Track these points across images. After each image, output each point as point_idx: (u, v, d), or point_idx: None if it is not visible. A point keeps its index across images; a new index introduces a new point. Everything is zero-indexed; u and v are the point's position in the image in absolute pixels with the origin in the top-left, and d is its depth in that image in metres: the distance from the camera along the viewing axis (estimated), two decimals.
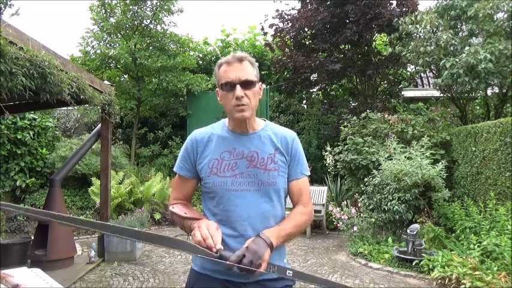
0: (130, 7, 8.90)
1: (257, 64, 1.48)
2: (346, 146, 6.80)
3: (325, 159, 7.88)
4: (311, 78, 9.03)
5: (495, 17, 6.14)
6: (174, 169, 1.54)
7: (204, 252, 1.26)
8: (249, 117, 1.42)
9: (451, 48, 6.32)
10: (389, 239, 5.46)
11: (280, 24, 9.03)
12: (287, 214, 1.49)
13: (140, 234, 1.27)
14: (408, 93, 9.56)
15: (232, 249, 1.30)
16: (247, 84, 1.38)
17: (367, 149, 6.46)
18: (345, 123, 7.23)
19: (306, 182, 1.54)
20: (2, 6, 3.12)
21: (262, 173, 1.42)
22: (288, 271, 1.29)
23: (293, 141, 1.51)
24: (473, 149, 5.47)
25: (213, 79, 10.31)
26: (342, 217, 6.24)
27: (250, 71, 1.41)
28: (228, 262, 1.23)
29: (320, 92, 10.39)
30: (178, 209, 1.44)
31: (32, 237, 5.02)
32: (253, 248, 1.26)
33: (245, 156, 1.44)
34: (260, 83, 1.48)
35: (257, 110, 1.50)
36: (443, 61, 5.96)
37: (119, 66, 9.26)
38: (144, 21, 9.08)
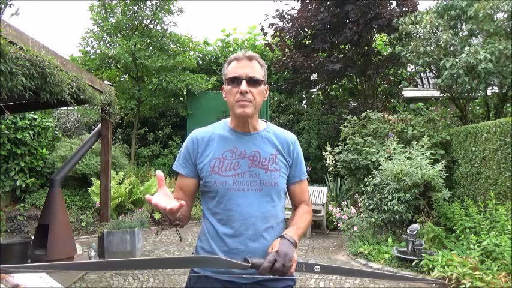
0: (130, 7, 8.89)
1: (266, 66, 1.47)
2: (346, 146, 6.80)
3: (325, 159, 7.87)
4: (311, 78, 9.03)
5: (495, 17, 6.13)
6: (173, 167, 1.51)
7: (236, 265, 1.24)
8: (251, 114, 1.40)
9: (451, 48, 6.32)
10: (390, 239, 5.45)
11: (280, 24, 9.03)
12: (286, 214, 1.50)
13: (164, 261, 1.24)
14: (408, 93, 9.56)
15: (233, 248, 1.29)
16: (253, 82, 1.38)
17: (367, 149, 6.45)
18: (345, 123, 7.22)
19: (306, 183, 1.58)
20: (2, 6, 3.12)
21: (264, 173, 1.42)
22: (315, 266, 1.30)
23: (294, 144, 1.52)
24: (473, 149, 5.47)
25: (213, 79, 10.37)
26: (342, 217, 6.23)
27: (258, 70, 1.41)
28: (260, 269, 1.22)
29: (320, 92, 10.39)
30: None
31: (32, 237, 5.01)
32: (284, 251, 1.25)
33: (247, 156, 1.43)
34: (267, 85, 1.48)
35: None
36: (443, 61, 5.96)
37: (119, 66, 9.26)
38: (144, 21, 9.07)
